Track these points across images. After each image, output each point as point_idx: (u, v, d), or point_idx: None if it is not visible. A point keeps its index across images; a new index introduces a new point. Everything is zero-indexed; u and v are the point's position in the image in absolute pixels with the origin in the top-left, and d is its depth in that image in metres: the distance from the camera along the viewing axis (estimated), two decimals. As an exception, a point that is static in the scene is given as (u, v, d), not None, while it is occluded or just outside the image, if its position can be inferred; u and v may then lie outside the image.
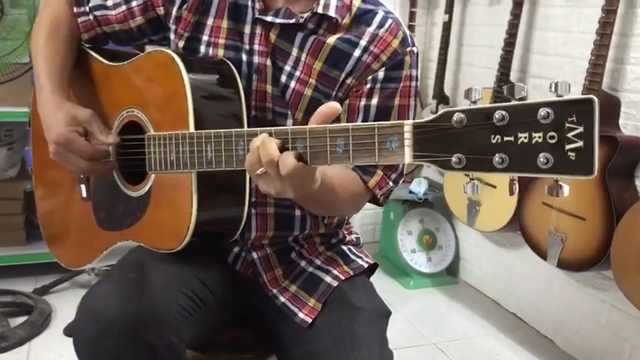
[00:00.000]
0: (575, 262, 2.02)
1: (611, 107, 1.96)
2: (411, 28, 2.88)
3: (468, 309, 2.64)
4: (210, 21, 1.13)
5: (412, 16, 2.89)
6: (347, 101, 1.11)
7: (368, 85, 1.09)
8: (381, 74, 1.09)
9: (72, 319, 1.01)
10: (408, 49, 1.10)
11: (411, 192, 2.85)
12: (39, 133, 1.36)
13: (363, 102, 1.09)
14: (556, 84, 0.57)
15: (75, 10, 1.20)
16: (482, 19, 2.71)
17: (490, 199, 2.39)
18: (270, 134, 0.82)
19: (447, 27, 2.77)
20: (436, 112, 2.28)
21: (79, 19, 1.20)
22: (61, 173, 1.28)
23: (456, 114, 0.62)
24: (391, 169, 1.12)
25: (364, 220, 3.09)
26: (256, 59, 1.10)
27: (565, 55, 2.24)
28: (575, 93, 2.09)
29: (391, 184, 1.13)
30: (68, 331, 1.03)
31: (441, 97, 2.84)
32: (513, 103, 0.59)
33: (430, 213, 2.91)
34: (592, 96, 0.54)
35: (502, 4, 2.54)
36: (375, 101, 1.09)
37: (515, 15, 2.32)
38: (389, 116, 1.10)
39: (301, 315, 1.10)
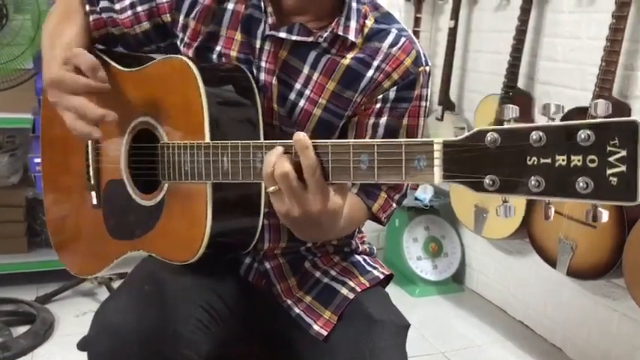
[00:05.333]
0: (586, 270, 2.00)
1: (622, 114, 1.93)
2: (416, 33, 2.86)
3: (475, 317, 2.62)
4: (223, 32, 1.10)
5: (417, 21, 2.87)
6: (355, 119, 1.09)
7: (378, 105, 1.07)
8: (392, 94, 1.06)
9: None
10: (420, 69, 1.07)
11: (416, 199, 2.83)
12: (49, 138, 1.35)
13: (372, 120, 1.07)
14: (596, 104, 0.54)
15: (87, 7, 1.18)
16: (488, 25, 2.69)
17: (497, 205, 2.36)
18: (290, 147, 0.79)
19: (452, 33, 2.75)
20: (441, 119, 2.26)
21: (91, 17, 1.18)
22: (72, 179, 1.27)
23: (490, 133, 0.59)
24: (395, 189, 1.11)
25: (369, 226, 3.04)
26: (262, 76, 1.08)
27: (574, 61, 2.22)
28: (584, 100, 2.08)
29: (394, 205, 1.12)
30: (82, 346, 1.01)
31: (447, 104, 2.82)
32: (551, 123, 0.56)
33: (436, 220, 2.89)
34: (636, 118, 0.52)
35: (508, 10, 2.52)
36: (383, 120, 1.07)
37: (523, 21, 2.30)
38: (397, 135, 1.09)
39: (316, 327, 1.08)
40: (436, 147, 0.64)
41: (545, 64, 2.37)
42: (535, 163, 0.57)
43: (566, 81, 2.25)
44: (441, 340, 2.39)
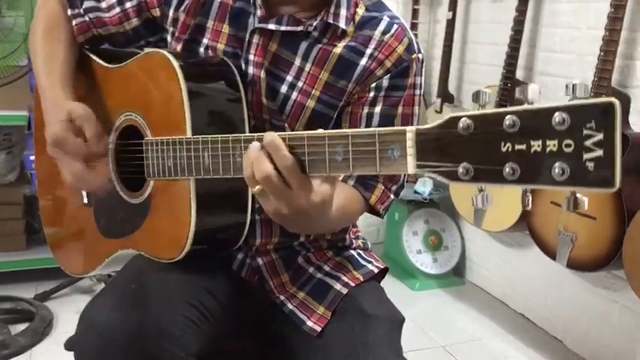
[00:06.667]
0: (586, 262, 1.99)
1: (621, 104, 1.91)
2: (414, 25, 2.84)
3: (476, 310, 2.60)
4: (210, 24, 1.09)
5: (415, 13, 2.84)
6: (348, 109, 1.07)
7: (372, 93, 1.05)
8: (385, 82, 1.04)
9: (73, 332, 0.99)
10: (413, 56, 1.05)
11: (415, 192, 2.81)
12: (42, 137, 1.34)
13: (366, 110, 1.05)
14: (573, 86, 0.52)
15: (69, 12, 1.17)
16: (486, 16, 2.67)
17: (497, 198, 2.35)
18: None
19: (450, 24, 2.73)
20: (440, 111, 2.24)
21: (74, 21, 1.17)
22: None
23: (463, 119, 0.57)
24: (392, 180, 1.09)
25: (368, 220, 3.03)
26: (251, 70, 1.06)
27: (572, 51, 2.20)
28: (583, 90, 2.07)
29: (392, 196, 1.10)
30: (69, 345, 1.01)
31: (445, 96, 2.79)
32: (525, 107, 0.54)
33: (436, 213, 2.88)
34: (613, 99, 0.49)
35: (506, 1, 2.49)
36: (378, 109, 1.05)
37: (521, 11, 2.28)
38: (392, 125, 1.06)
39: (310, 323, 1.07)
40: (409, 135, 0.62)
41: (543, 55, 2.34)
42: (510, 149, 0.55)
43: (564, 71, 2.22)
44: (442, 334, 2.38)
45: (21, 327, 2.17)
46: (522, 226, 2.26)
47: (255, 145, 0.76)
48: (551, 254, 2.10)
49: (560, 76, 2.24)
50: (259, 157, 0.76)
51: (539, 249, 2.16)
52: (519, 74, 2.36)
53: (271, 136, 0.75)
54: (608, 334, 2.13)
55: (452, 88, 2.82)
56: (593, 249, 1.94)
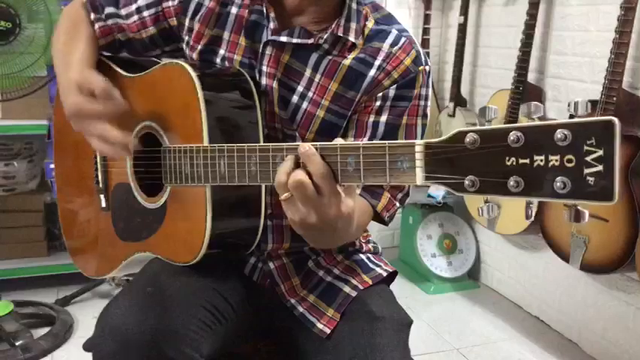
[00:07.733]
0: (599, 265, 1.99)
1: (632, 106, 1.92)
2: (426, 30, 2.85)
3: (490, 313, 2.61)
4: (226, 35, 1.12)
5: (427, 18, 2.86)
6: (355, 116, 1.10)
7: (378, 102, 1.08)
8: (392, 92, 1.07)
9: (91, 334, 1.02)
10: (420, 68, 1.08)
11: (429, 196, 2.83)
12: (60, 144, 1.38)
13: (372, 118, 1.08)
14: (575, 104, 0.55)
15: (92, 16, 1.20)
16: (497, 20, 2.68)
17: (510, 201, 2.36)
18: (282, 149, 0.81)
19: (462, 29, 2.74)
20: (453, 115, 2.25)
21: (97, 25, 1.20)
22: (82, 183, 1.30)
23: (469, 134, 0.60)
24: (397, 189, 1.11)
25: (383, 225, 3.05)
26: (264, 80, 1.09)
27: (583, 54, 2.21)
28: (594, 93, 2.07)
29: (397, 204, 1.12)
30: (87, 347, 1.04)
31: (458, 100, 2.81)
32: (529, 123, 0.57)
33: (450, 217, 2.89)
34: (612, 117, 0.52)
35: (517, 5, 2.51)
36: (384, 118, 1.08)
37: (532, 15, 2.29)
38: (396, 134, 1.09)
39: (320, 325, 1.09)
40: (417, 149, 0.65)
41: (554, 58, 2.35)
42: (514, 163, 0.58)
43: (576, 74, 2.23)
44: (456, 337, 2.40)
45: (42, 331, 2.22)
46: (535, 229, 2.27)
47: (289, 161, 0.80)
48: (565, 257, 2.10)
49: (571, 78, 2.25)
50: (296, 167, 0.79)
51: (553, 252, 2.17)
52: (531, 77, 2.37)
53: (306, 146, 0.78)
54: (624, 337, 2.13)
55: (465, 91, 2.84)
56: (606, 251, 1.95)
